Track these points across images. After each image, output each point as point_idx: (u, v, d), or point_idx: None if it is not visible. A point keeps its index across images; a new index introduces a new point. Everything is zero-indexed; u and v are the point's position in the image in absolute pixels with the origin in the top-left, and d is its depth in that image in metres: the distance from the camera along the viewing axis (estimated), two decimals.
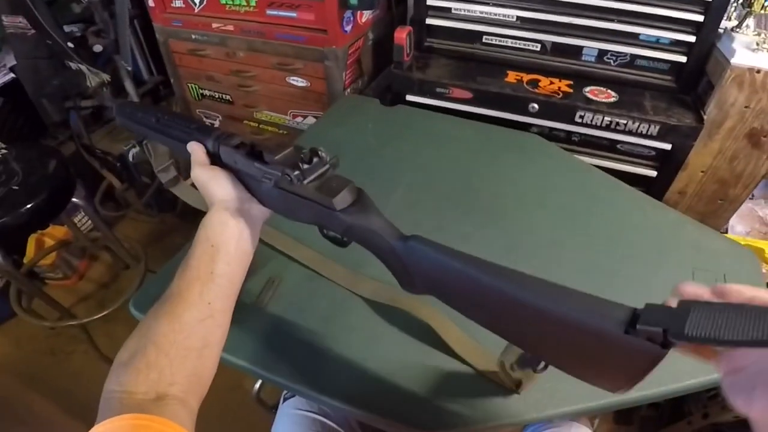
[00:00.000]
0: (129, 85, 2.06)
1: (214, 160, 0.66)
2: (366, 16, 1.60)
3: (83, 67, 1.90)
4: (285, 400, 1.01)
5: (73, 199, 1.56)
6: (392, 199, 1.07)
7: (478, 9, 1.44)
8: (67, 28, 2.00)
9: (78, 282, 2.20)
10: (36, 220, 1.44)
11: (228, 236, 0.59)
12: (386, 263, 0.58)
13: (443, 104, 1.47)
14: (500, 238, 0.98)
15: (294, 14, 1.50)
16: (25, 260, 2.03)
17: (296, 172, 0.56)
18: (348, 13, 1.48)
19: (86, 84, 1.99)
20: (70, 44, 1.91)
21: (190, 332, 0.51)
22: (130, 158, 2.22)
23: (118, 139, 2.27)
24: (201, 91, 1.93)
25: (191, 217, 2.29)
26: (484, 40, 1.51)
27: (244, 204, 0.63)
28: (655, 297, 0.83)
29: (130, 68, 1.94)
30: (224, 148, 0.63)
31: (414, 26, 1.53)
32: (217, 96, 1.90)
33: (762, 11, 1.27)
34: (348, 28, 1.51)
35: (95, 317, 1.77)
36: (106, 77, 1.96)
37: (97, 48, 1.92)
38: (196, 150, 0.66)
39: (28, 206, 1.38)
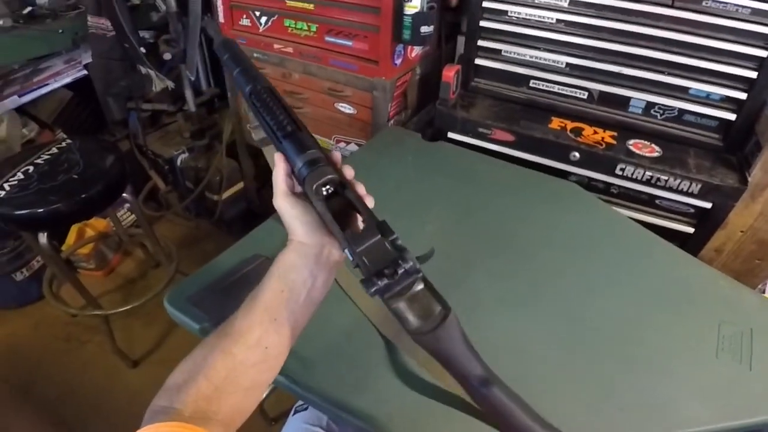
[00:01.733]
0: (189, 94, 2.21)
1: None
2: (416, 51, 1.68)
3: (152, 72, 2.06)
4: (296, 412, 1.07)
5: (124, 195, 1.68)
6: (426, 229, 1.13)
7: (528, 53, 1.50)
8: (141, 34, 2.19)
9: (108, 274, 2.34)
10: (88, 209, 1.57)
11: (300, 284, 0.58)
12: (454, 377, 0.56)
13: (484, 144, 1.52)
14: (528, 279, 1.02)
15: (350, 43, 1.60)
16: (63, 247, 2.17)
17: (381, 283, 0.50)
18: (399, 47, 1.57)
19: (151, 88, 2.16)
20: (142, 49, 2.07)
21: (242, 372, 0.53)
22: (178, 163, 2.37)
23: (170, 144, 2.43)
24: None
25: (227, 226, 2.41)
26: (531, 84, 1.56)
27: (324, 249, 0.59)
28: (676, 347, 0.86)
29: (192, 78, 2.08)
30: (309, 189, 0.57)
31: (462, 65, 1.59)
32: None
33: None
34: (398, 61, 1.60)
35: (119, 310, 1.87)
36: (170, 84, 2.12)
37: (167, 56, 2.08)
38: (278, 172, 0.62)
39: (84, 195, 1.51)
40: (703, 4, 1.26)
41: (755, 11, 1.23)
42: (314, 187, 0.56)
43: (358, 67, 1.62)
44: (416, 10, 1.43)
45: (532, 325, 0.93)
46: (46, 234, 1.56)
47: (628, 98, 1.44)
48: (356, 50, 1.61)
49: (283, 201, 0.61)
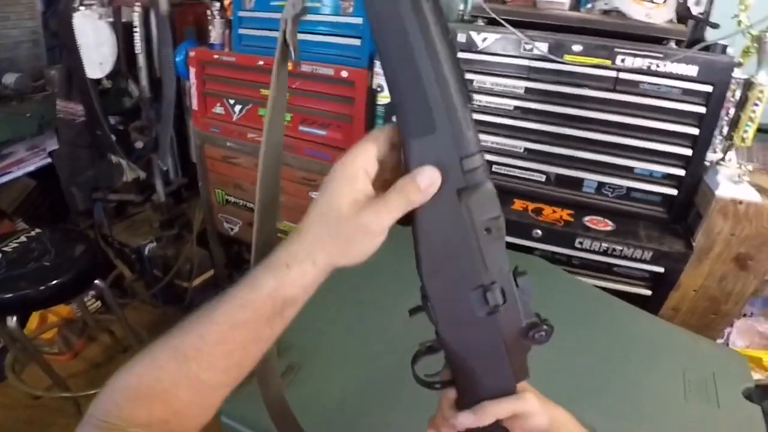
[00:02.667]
0: (159, 184, 2.26)
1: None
2: None
3: (123, 162, 2.10)
4: None
5: (97, 282, 1.70)
6: (396, 311, 1.21)
7: (489, 140, 1.66)
8: (110, 120, 2.23)
9: (72, 359, 2.27)
10: (59, 295, 1.60)
11: (299, 297, 0.46)
12: None
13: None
14: None
15: (324, 132, 1.72)
16: (25, 331, 2.12)
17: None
18: None
19: (121, 177, 2.19)
20: (112, 136, 2.12)
21: (210, 394, 0.46)
22: (146, 252, 2.37)
23: (137, 234, 2.45)
24: (226, 197, 2.11)
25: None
26: (493, 169, 1.69)
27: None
28: (648, 395, 0.95)
29: (165, 168, 2.13)
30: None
31: None
32: (241, 203, 2.08)
33: (742, 143, 1.46)
34: None
35: (90, 392, 1.83)
36: (142, 174, 2.16)
37: (138, 144, 2.13)
38: (429, 183, 0.43)
39: (55, 282, 1.54)
40: (641, 87, 1.46)
41: (685, 91, 1.44)
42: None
43: (333, 156, 1.72)
44: (388, 100, 1.57)
45: None
46: (14, 318, 1.57)
47: (582, 179, 1.60)
48: (330, 139, 1.72)
49: (386, 233, 0.45)
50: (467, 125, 0.43)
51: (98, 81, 2.10)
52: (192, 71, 1.94)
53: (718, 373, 1.05)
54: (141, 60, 2.07)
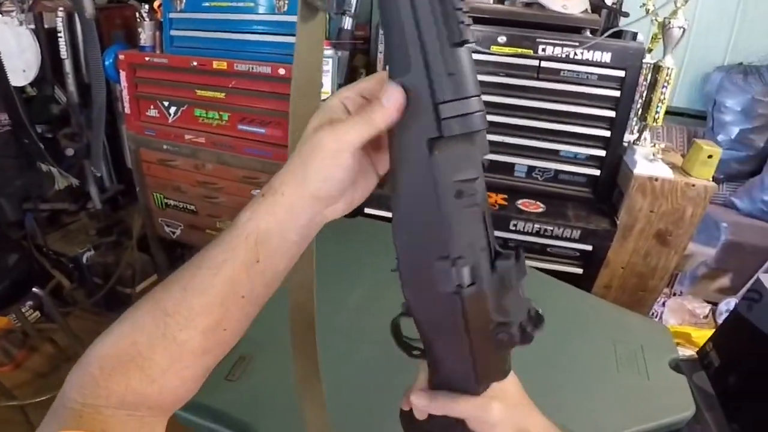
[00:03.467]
0: (94, 191, 2.21)
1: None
2: None
3: (54, 170, 2.03)
4: None
5: (35, 290, 1.66)
6: (352, 298, 1.23)
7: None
8: (38, 129, 2.14)
9: (14, 370, 2.19)
10: None
11: (282, 253, 0.43)
12: None
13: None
14: None
15: (263, 130, 1.74)
16: None
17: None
18: None
19: (53, 186, 2.12)
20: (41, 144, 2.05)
21: (189, 362, 0.42)
22: (84, 260, 2.31)
23: (73, 242, 2.37)
24: (166, 201, 2.08)
25: None
26: None
27: (324, 211, 0.44)
28: (582, 368, 1.03)
29: (99, 174, 2.08)
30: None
31: None
32: (181, 206, 2.05)
33: (654, 123, 1.58)
34: None
35: (37, 399, 1.81)
36: (74, 181, 2.10)
37: (69, 151, 2.07)
38: (392, 103, 0.39)
39: None
40: (561, 74, 1.57)
41: (601, 77, 1.55)
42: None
43: (273, 153, 1.74)
44: (328, 96, 1.60)
45: None
46: None
47: (513, 164, 1.69)
48: (269, 137, 1.74)
49: (347, 153, 0.40)
50: (447, 66, 0.37)
51: (22, 88, 2.04)
52: (123, 75, 1.90)
53: (645, 345, 1.14)
54: (68, 65, 2.02)
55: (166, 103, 1.88)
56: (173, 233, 2.16)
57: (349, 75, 1.76)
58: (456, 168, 0.38)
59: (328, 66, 1.59)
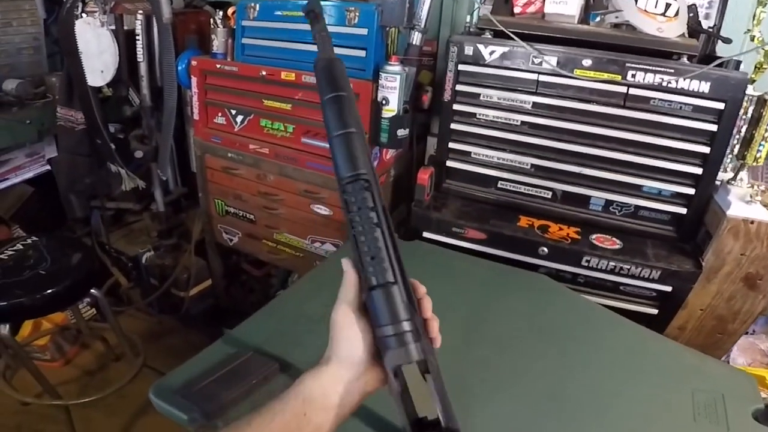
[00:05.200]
0: (158, 194, 2.25)
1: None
2: (390, 153, 1.81)
3: (123, 171, 2.09)
4: None
5: (93, 291, 1.69)
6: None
7: (496, 155, 1.65)
8: (110, 128, 2.22)
9: (63, 366, 2.26)
10: (54, 304, 1.60)
11: (326, 411, 0.55)
12: None
13: (458, 243, 1.61)
14: (510, 365, 1.09)
15: (327, 145, 1.69)
16: (17, 337, 2.12)
17: None
18: (375, 150, 1.69)
19: (119, 186, 2.18)
20: (112, 145, 2.11)
21: None
22: (143, 261, 2.36)
23: (135, 242, 2.44)
24: (227, 208, 2.09)
25: (193, 321, 2.39)
26: (499, 185, 1.69)
27: (363, 377, 0.57)
28: (656, 415, 0.98)
29: (165, 178, 2.12)
30: (388, 363, 0.55)
31: (435, 167, 1.72)
32: (240, 214, 2.05)
33: (755, 163, 1.45)
34: (374, 163, 1.68)
35: (82, 400, 1.85)
36: (141, 183, 2.14)
37: (138, 154, 2.12)
38: (348, 283, 0.60)
39: (50, 291, 1.53)
40: (651, 103, 1.46)
41: (696, 108, 1.43)
42: (394, 367, 0.55)
43: None
44: (393, 113, 1.57)
45: (518, 405, 0.99)
46: (7, 326, 1.56)
47: (589, 197, 1.59)
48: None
49: (344, 316, 0.58)
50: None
51: (99, 89, 2.10)
52: (194, 80, 1.93)
53: (727, 394, 1.03)
54: (143, 68, 2.07)
55: (233, 111, 1.89)
56: (231, 240, 2.16)
57: (414, 91, 1.70)
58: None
59: (396, 82, 1.54)
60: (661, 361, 1.14)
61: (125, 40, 2.08)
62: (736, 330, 1.55)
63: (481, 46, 1.55)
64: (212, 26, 1.87)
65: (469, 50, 1.57)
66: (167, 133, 2.03)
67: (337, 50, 1.59)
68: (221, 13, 1.85)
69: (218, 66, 1.87)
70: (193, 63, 1.92)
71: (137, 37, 2.05)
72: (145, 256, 2.38)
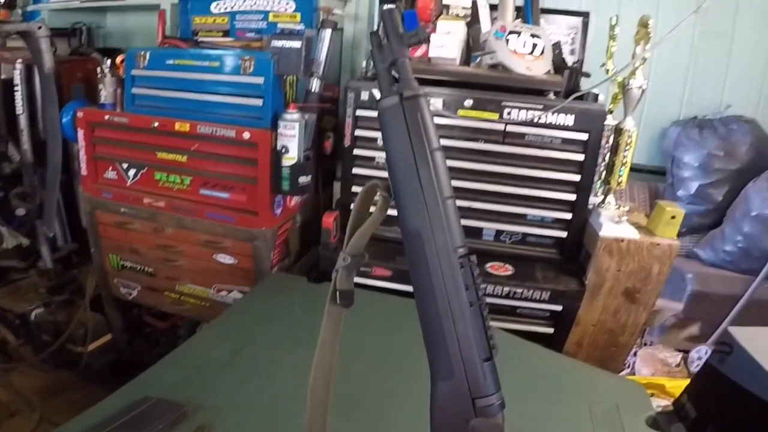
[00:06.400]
0: (45, 251, 2.10)
1: None
2: (295, 200, 1.81)
3: (3, 229, 1.93)
4: None
5: None
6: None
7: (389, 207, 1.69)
8: None
9: None
10: None
11: None
12: None
13: (366, 281, 1.65)
14: (420, 391, 1.10)
15: (227, 195, 1.68)
16: None
17: None
18: (279, 197, 1.68)
19: (0, 245, 2.01)
20: None
21: None
22: (33, 317, 2.19)
23: (22, 299, 2.25)
24: (122, 263, 1.98)
25: (94, 376, 2.24)
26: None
27: None
28: (557, 429, 1.04)
29: (51, 235, 1.98)
30: None
31: (340, 210, 1.75)
32: (139, 268, 1.95)
33: (618, 186, 1.60)
34: (278, 211, 1.70)
35: None
36: (25, 241, 1.99)
37: (20, 211, 1.98)
38: None
39: None
40: (526, 138, 1.59)
41: (565, 140, 1.58)
42: None
43: (236, 218, 1.67)
44: (294, 161, 1.57)
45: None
46: None
47: (481, 228, 1.69)
48: (234, 202, 1.68)
49: None
50: (483, 375, 0.52)
51: None
52: (80, 133, 1.82)
53: (621, 404, 1.12)
54: (23, 121, 1.93)
55: (125, 165, 1.81)
56: (130, 294, 2.06)
57: (317, 137, 1.73)
58: None
59: (294, 130, 1.55)
60: (558, 379, 1.22)
61: (2, 91, 1.93)
62: (626, 342, 1.68)
63: (375, 91, 1.60)
64: (100, 75, 1.79)
65: (365, 95, 1.63)
66: (52, 190, 1.90)
67: (233, 99, 1.62)
68: (109, 61, 1.77)
69: (107, 117, 1.78)
70: (80, 114, 1.81)
71: (16, 88, 1.91)
72: (34, 312, 2.20)
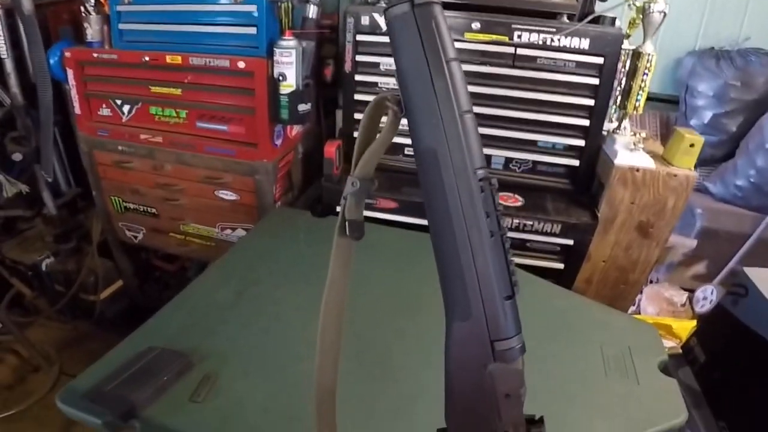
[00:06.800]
0: (47, 197, 2.05)
1: None
2: (296, 129, 1.74)
3: (1, 177, 1.88)
4: None
5: None
6: (316, 309, 1.16)
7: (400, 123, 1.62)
8: None
9: None
10: None
11: None
12: None
13: (372, 214, 1.59)
14: (430, 329, 1.07)
15: (225, 127, 1.61)
16: None
17: None
18: (278, 128, 1.61)
19: (0, 194, 1.96)
20: None
21: None
22: (44, 268, 2.17)
23: (31, 250, 2.22)
24: (124, 204, 1.94)
25: (109, 324, 2.23)
26: (405, 152, 1.68)
27: None
28: (570, 373, 0.99)
29: (50, 179, 1.93)
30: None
31: (343, 139, 1.68)
32: (141, 209, 1.92)
33: (635, 111, 1.52)
34: (278, 141, 1.63)
35: (4, 414, 1.75)
36: (24, 188, 1.94)
37: (17, 156, 1.91)
38: None
39: None
40: (537, 62, 1.49)
41: (579, 64, 1.48)
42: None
43: (236, 151, 1.62)
44: (292, 89, 1.49)
45: (439, 370, 0.99)
46: None
47: (490, 156, 1.61)
48: (232, 134, 1.62)
49: None
50: (503, 315, 0.46)
51: None
52: (70, 73, 1.75)
53: (633, 346, 1.08)
54: (8, 65, 1.84)
55: (118, 102, 1.74)
56: (135, 237, 2.02)
57: (317, 65, 1.64)
58: (507, 382, 0.47)
59: (291, 57, 1.47)
60: (570, 318, 1.18)
61: None
62: (637, 280, 1.63)
63: (376, 15, 1.53)
64: (84, 14, 1.69)
65: (365, 20, 1.55)
66: (47, 132, 1.84)
67: (227, 29, 1.53)
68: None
69: (95, 55, 1.69)
70: (67, 54, 1.73)
71: None
72: (44, 262, 2.18)
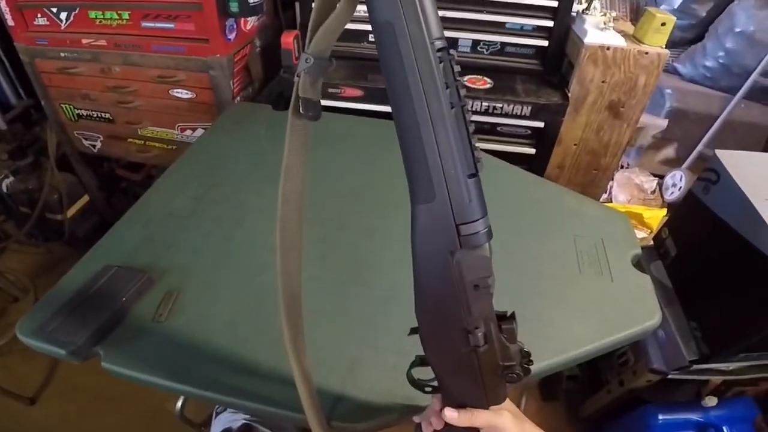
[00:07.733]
0: None
1: None
2: (251, 23, 1.61)
3: None
4: (217, 415, 1.01)
5: None
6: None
7: (360, 8, 1.49)
8: None
9: None
10: None
11: None
12: None
13: (336, 104, 1.51)
14: (401, 226, 1.04)
15: (172, 25, 1.47)
16: None
17: None
18: (230, 21, 1.48)
19: None
20: None
21: None
22: (4, 188, 2.05)
23: None
24: (77, 112, 1.82)
25: (81, 244, 2.16)
26: (369, 39, 1.57)
27: None
28: (544, 269, 0.96)
29: None
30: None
31: (302, 30, 1.55)
32: (95, 115, 1.80)
33: None
34: (231, 36, 1.51)
35: None
36: None
37: None
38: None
39: None
40: None
41: None
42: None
43: (187, 48, 1.50)
44: None
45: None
46: None
47: (456, 39, 1.52)
48: (181, 31, 1.48)
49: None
50: (468, 194, 0.44)
51: None
52: None
53: (606, 238, 1.04)
54: None
55: (54, 9, 1.56)
56: (93, 146, 1.91)
57: None
58: (474, 270, 0.47)
59: None
60: (542, 207, 1.13)
61: None
62: (609, 164, 1.61)
63: None
64: None
65: None
66: None
67: None
68: None
69: None
70: None
71: None
72: (4, 183, 2.06)
